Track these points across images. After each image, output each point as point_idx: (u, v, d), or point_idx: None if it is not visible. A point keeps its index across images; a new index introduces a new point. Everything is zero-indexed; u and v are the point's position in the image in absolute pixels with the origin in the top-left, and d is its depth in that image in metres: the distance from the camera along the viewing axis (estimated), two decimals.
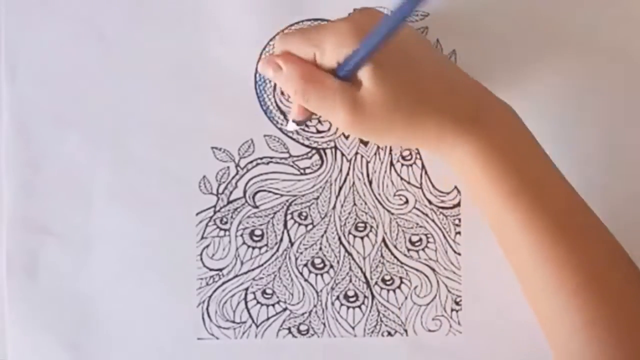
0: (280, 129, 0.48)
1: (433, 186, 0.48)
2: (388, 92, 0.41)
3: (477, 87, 0.43)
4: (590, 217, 0.42)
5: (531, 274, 0.42)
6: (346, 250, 0.48)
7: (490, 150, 0.41)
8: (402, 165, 0.48)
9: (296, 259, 0.48)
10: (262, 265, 0.48)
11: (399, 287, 0.48)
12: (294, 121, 0.47)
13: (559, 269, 0.40)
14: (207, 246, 0.48)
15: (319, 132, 0.48)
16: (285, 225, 0.48)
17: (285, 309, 0.48)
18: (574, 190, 0.42)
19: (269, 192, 0.48)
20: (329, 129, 0.48)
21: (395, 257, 0.48)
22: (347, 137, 0.48)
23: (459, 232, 0.48)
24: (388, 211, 0.48)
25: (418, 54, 0.43)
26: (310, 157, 0.48)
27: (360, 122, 0.42)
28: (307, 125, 0.48)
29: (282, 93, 0.48)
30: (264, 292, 0.48)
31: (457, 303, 0.48)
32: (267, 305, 0.48)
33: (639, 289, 0.41)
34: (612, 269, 0.41)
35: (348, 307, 0.48)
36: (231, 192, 0.48)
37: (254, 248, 0.48)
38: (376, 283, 0.48)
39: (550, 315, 0.41)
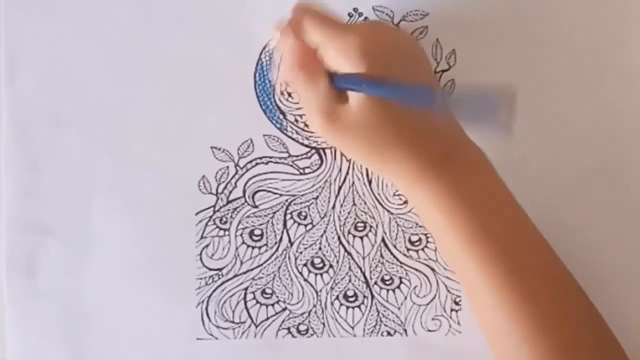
0: (280, 129, 0.48)
1: None
2: (368, 121, 0.41)
3: (452, 130, 0.43)
4: (552, 262, 0.42)
5: (487, 315, 0.42)
6: (346, 250, 0.48)
7: (451, 196, 0.41)
8: None
9: (296, 259, 0.48)
10: (262, 265, 0.48)
11: (398, 287, 0.48)
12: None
13: (513, 314, 0.40)
14: (207, 246, 0.48)
15: None
16: (285, 225, 0.48)
17: (285, 309, 0.48)
18: (539, 234, 0.43)
19: (269, 192, 0.48)
20: None
21: (395, 257, 0.48)
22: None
23: None
24: (388, 211, 0.48)
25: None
26: (310, 157, 0.48)
27: (329, 132, 0.42)
28: (307, 125, 0.48)
29: (282, 93, 0.48)
30: (263, 292, 0.48)
31: (457, 303, 0.48)
32: (267, 305, 0.48)
33: (595, 337, 0.41)
34: (567, 319, 0.41)
35: (348, 307, 0.48)
36: (231, 192, 0.48)
37: (253, 248, 0.48)
38: (376, 283, 0.48)
39: (504, 356, 0.42)
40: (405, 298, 0.48)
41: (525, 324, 0.40)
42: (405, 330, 0.48)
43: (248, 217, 0.48)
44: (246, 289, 0.48)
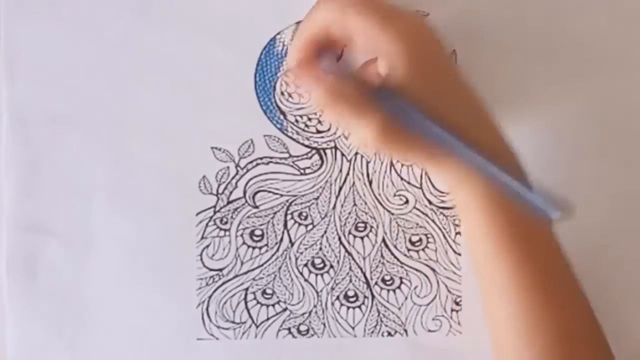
0: (280, 129, 0.48)
1: (433, 186, 0.48)
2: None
3: (496, 132, 0.43)
4: (572, 283, 0.42)
5: (502, 324, 0.42)
6: (346, 250, 0.48)
7: (494, 198, 0.41)
8: (402, 165, 0.48)
9: (296, 259, 0.48)
10: (262, 265, 0.48)
11: (399, 287, 0.48)
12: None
13: (528, 327, 0.41)
14: (207, 246, 0.48)
15: (319, 132, 0.48)
16: (285, 225, 0.48)
17: (285, 309, 0.48)
18: (564, 254, 0.43)
19: (269, 192, 0.48)
20: (329, 129, 0.48)
21: (395, 257, 0.48)
22: (347, 138, 0.48)
23: (459, 232, 0.48)
24: (388, 211, 0.48)
25: (458, 90, 0.42)
26: (310, 157, 0.48)
27: (387, 143, 0.41)
28: (307, 125, 0.48)
29: (282, 93, 0.48)
30: (264, 292, 0.48)
31: (457, 303, 0.48)
32: (267, 306, 0.48)
33: None
34: (580, 341, 0.41)
35: (348, 307, 0.48)
36: (231, 192, 0.48)
37: (254, 248, 0.48)
38: (376, 283, 0.48)
39: None
40: (406, 298, 0.48)
41: (542, 338, 0.40)
42: (406, 330, 0.48)
43: (248, 217, 0.48)
44: (246, 289, 0.48)
